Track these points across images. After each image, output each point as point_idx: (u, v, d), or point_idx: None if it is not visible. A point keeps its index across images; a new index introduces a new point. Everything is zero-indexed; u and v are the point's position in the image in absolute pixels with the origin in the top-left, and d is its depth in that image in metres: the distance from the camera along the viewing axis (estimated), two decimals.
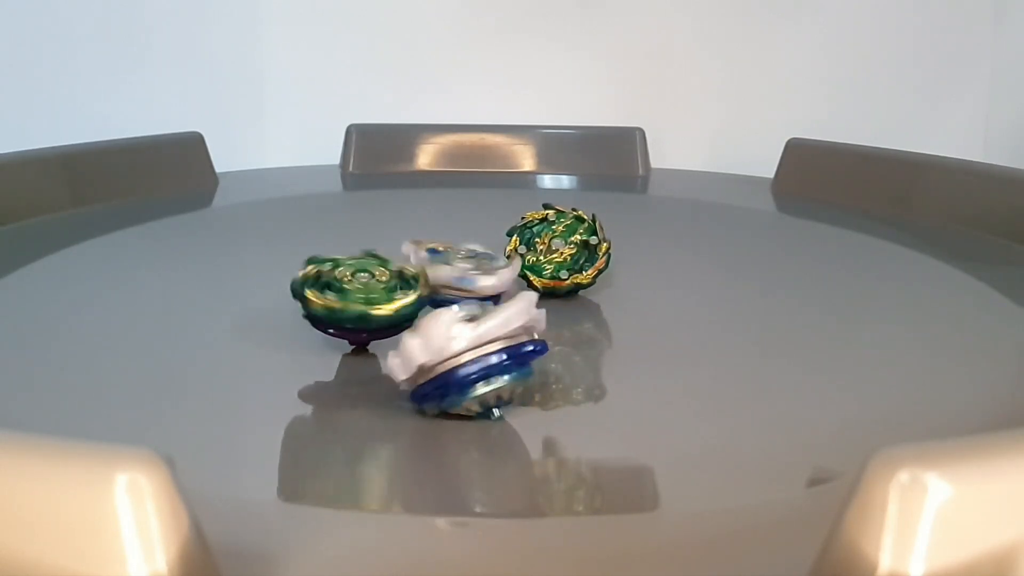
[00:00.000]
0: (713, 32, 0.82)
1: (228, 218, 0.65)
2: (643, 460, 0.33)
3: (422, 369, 0.33)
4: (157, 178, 0.69)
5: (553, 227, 0.48)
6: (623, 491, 0.31)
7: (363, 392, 0.39)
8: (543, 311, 0.35)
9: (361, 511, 0.30)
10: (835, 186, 0.69)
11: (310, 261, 0.39)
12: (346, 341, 0.40)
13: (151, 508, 0.20)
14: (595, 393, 0.38)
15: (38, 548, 0.20)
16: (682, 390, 0.39)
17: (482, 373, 0.33)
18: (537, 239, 0.48)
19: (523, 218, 0.49)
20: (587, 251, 0.48)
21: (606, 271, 0.48)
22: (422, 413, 0.34)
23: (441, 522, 0.29)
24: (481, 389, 0.33)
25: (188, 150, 0.71)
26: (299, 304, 0.39)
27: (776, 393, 0.38)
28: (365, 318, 0.37)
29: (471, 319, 0.33)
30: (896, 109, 0.83)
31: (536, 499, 0.31)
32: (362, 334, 0.39)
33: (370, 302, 0.38)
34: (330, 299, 0.38)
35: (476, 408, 0.34)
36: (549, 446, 0.34)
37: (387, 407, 0.37)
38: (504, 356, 0.33)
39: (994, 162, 0.67)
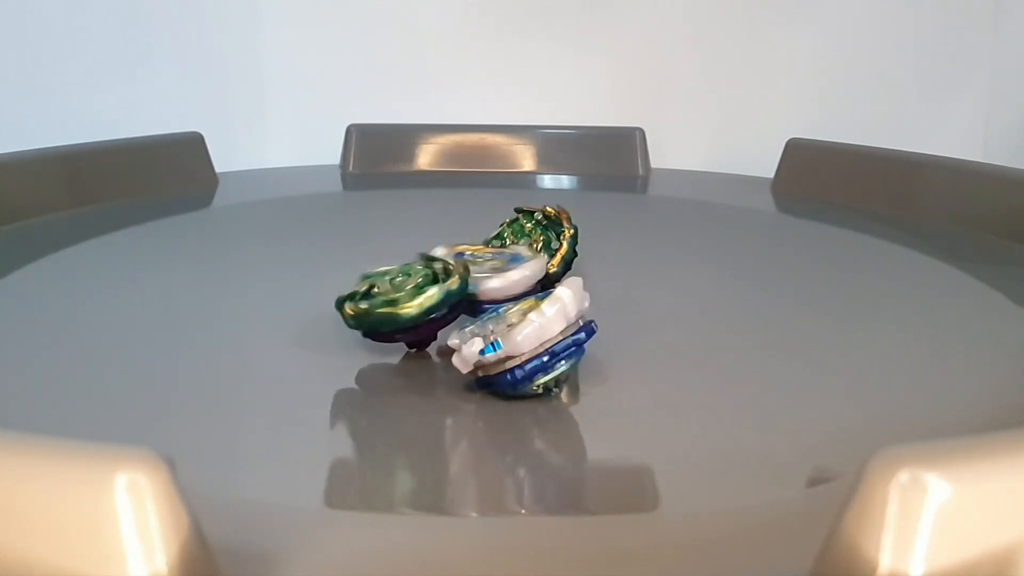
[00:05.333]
0: (713, 32, 0.82)
1: (228, 218, 0.65)
2: (643, 460, 0.33)
3: (483, 365, 0.35)
4: (157, 178, 0.69)
5: (504, 237, 0.49)
6: (623, 491, 0.31)
7: (363, 391, 0.39)
8: (587, 293, 0.36)
9: (361, 511, 0.30)
10: (835, 186, 0.69)
11: (364, 277, 0.40)
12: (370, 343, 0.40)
13: (151, 508, 0.20)
14: (594, 393, 0.38)
15: (38, 548, 0.20)
16: (681, 390, 0.39)
17: (541, 366, 0.35)
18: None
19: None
20: (548, 225, 0.48)
21: (578, 258, 0.48)
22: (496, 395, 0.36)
23: (441, 522, 0.29)
24: (541, 379, 0.35)
25: (188, 150, 0.71)
26: (330, 292, 0.39)
27: (776, 393, 0.38)
28: (393, 319, 0.38)
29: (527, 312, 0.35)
30: (896, 109, 0.83)
31: (536, 499, 0.31)
32: (398, 335, 0.39)
33: (394, 303, 0.38)
34: (359, 308, 0.38)
35: (539, 392, 0.36)
36: (548, 446, 0.34)
37: (387, 407, 0.37)
38: (560, 348, 0.35)
39: (994, 162, 0.67)
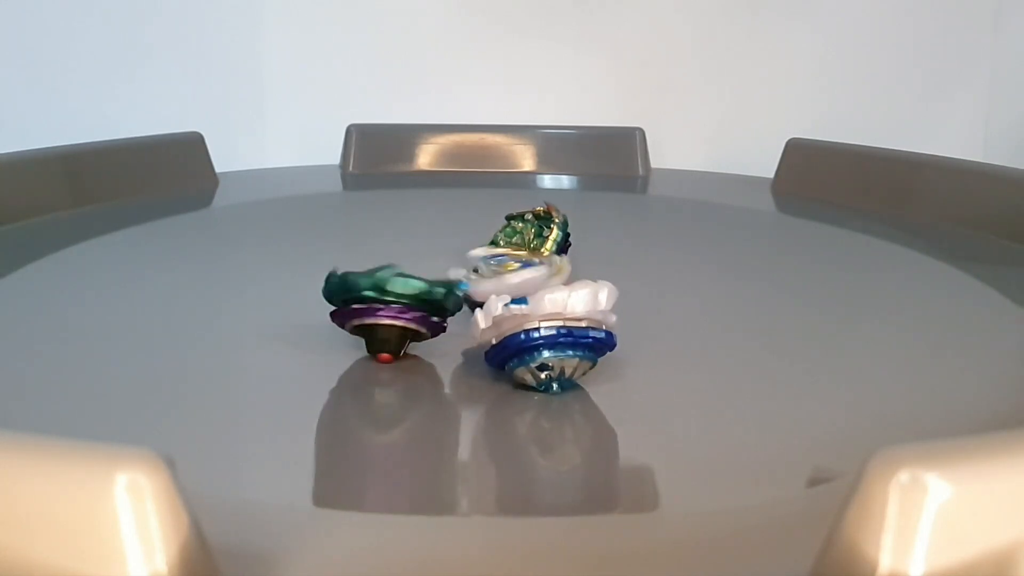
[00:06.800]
0: (713, 32, 0.82)
1: (228, 218, 0.65)
2: (643, 460, 0.33)
3: (499, 326, 0.35)
4: (157, 178, 0.69)
5: (498, 243, 0.49)
6: (623, 491, 0.31)
7: (362, 392, 0.39)
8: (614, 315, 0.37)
9: (361, 511, 0.30)
10: (835, 186, 0.69)
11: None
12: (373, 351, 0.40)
13: (151, 508, 0.20)
14: (594, 393, 0.37)
15: (38, 548, 0.20)
16: (682, 390, 0.39)
17: (550, 341, 0.35)
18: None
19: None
20: (536, 221, 0.49)
21: (578, 259, 0.48)
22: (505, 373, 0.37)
23: (441, 522, 0.29)
24: (545, 355, 0.35)
25: (188, 150, 0.71)
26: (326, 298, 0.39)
27: (776, 393, 0.38)
28: (369, 278, 0.38)
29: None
30: (896, 109, 0.83)
31: (536, 499, 0.31)
32: (365, 309, 0.38)
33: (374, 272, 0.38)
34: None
35: (540, 377, 0.36)
36: (549, 446, 0.34)
37: (386, 408, 0.37)
38: (579, 333, 0.35)
39: (994, 162, 0.67)
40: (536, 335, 0.35)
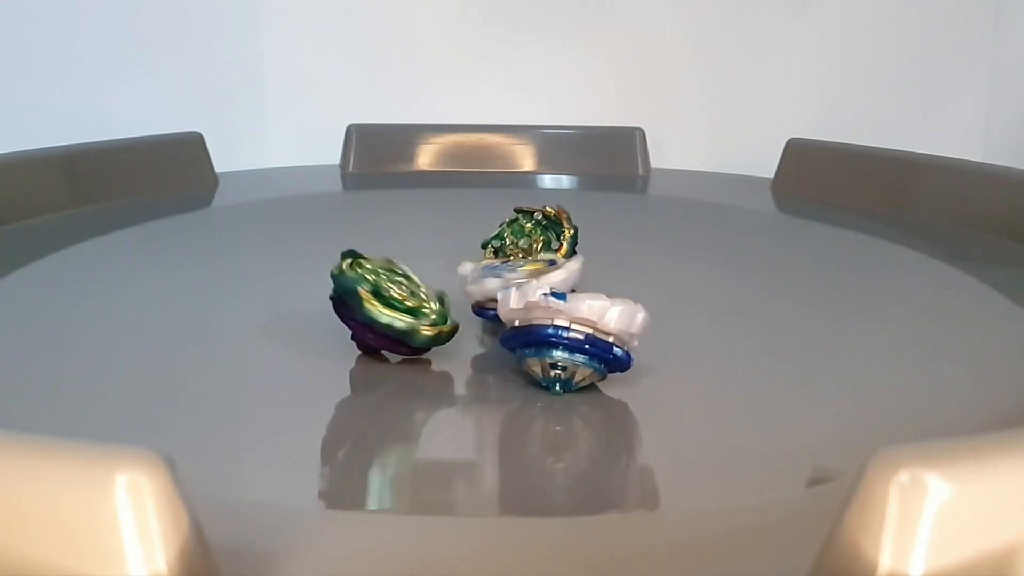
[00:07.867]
0: (713, 32, 0.82)
1: (228, 218, 0.65)
2: (643, 460, 0.33)
3: (528, 311, 0.36)
4: (157, 178, 0.69)
5: (503, 237, 0.49)
6: (623, 491, 0.31)
7: (362, 392, 0.39)
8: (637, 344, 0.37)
9: (361, 511, 0.30)
10: (835, 186, 0.69)
11: (347, 255, 0.39)
12: (355, 341, 0.40)
13: (151, 508, 0.20)
14: (593, 393, 0.37)
15: (38, 548, 0.20)
16: (682, 390, 0.39)
17: (574, 344, 0.35)
18: (508, 247, 0.49)
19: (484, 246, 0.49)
20: (548, 225, 0.49)
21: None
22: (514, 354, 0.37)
23: (441, 522, 0.29)
24: (564, 355, 0.35)
25: (188, 150, 0.71)
26: (329, 290, 0.38)
27: (776, 393, 0.38)
28: (411, 335, 0.37)
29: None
30: (896, 109, 0.83)
31: (536, 499, 0.31)
32: (387, 341, 0.39)
33: (416, 314, 0.38)
34: (387, 312, 0.37)
35: (550, 374, 0.36)
36: (549, 445, 0.34)
37: (386, 407, 0.37)
38: (602, 346, 0.35)
39: (994, 162, 0.67)
40: (563, 334, 0.35)
